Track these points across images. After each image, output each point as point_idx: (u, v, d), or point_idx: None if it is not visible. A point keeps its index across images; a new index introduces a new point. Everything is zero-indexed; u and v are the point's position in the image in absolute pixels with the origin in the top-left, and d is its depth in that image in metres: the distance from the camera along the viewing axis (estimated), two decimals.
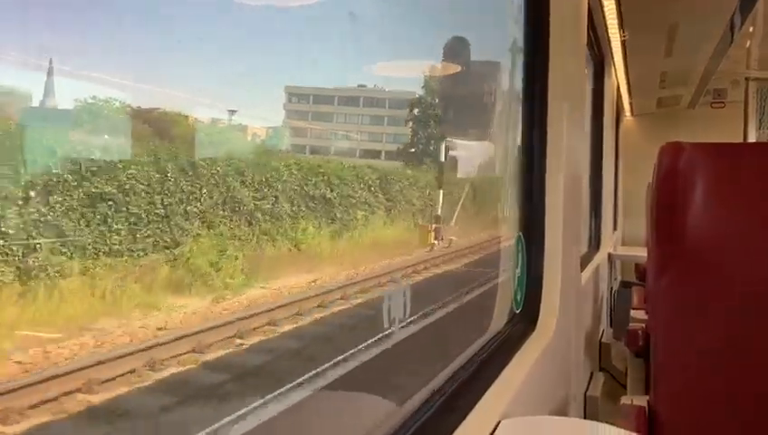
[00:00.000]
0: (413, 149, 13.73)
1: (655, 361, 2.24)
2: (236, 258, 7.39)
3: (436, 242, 11.12)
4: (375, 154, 14.54)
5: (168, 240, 6.54)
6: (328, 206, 9.74)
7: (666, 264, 2.21)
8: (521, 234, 2.18)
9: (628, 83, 6.44)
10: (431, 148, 13.94)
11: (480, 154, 13.75)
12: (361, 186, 10.87)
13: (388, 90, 14.91)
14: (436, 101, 13.79)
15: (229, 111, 9.14)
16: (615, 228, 7.09)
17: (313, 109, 14.44)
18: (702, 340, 2.11)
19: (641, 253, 5.26)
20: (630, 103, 7.61)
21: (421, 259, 10.56)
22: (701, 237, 2.14)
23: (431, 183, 13.44)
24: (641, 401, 2.29)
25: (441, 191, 12.26)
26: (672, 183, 2.19)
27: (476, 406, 1.36)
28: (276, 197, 8.49)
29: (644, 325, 3.33)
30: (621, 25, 4.29)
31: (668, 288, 2.20)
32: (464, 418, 1.30)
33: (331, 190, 9.91)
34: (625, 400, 2.38)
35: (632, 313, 3.99)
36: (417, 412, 1.32)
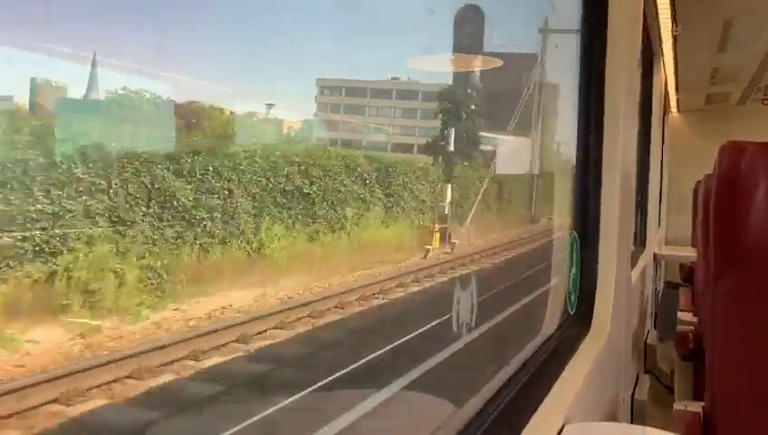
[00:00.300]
0: (442, 143, 13.07)
1: (710, 366, 2.18)
2: (150, 268, 5.45)
3: (430, 247, 9.22)
4: (407, 148, 14.25)
5: (57, 245, 4.88)
6: (305, 202, 8.10)
7: (725, 266, 2.14)
8: (576, 233, 2.14)
9: (677, 79, 6.29)
10: (461, 141, 13.22)
11: (509, 147, 12.88)
12: (353, 179, 9.26)
13: (421, 82, 14.44)
14: (468, 92, 13.16)
15: (267, 104, 9.02)
16: (659, 227, 6.94)
17: (345, 101, 14.37)
18: (764, 345, 2.04)
19: (688, 253, 5.15)
20: (677, 100, 7.43)
21: (406, 270, 8.41)
22: (764, 239, 2.07)
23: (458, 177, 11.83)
24: (695, 407, 2.23)
25: (450, 186, 10.74)
26: (733, 184, 2.12)
27: (539, 409, 1.35)
28: (230, 190, 6.81)
29: (693, 328, 3.25)
30: (674, 19, 4.18)
31: (727, 291, 2.13)
32: (527, 421, 1.29)
33: (311, 184, 8.23)
34: (677, 405, 2.31)
35: (679, 314, 3.90)
36: (482, 414, 1.31)
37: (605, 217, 2.19)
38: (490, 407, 1.34)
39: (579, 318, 2.08)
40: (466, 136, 12.93)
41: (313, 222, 8.17)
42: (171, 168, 6.05)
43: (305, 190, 8.13)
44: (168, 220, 5.89)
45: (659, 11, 4.00)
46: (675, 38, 4.63)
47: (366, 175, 9.56)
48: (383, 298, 7.34)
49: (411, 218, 10.26)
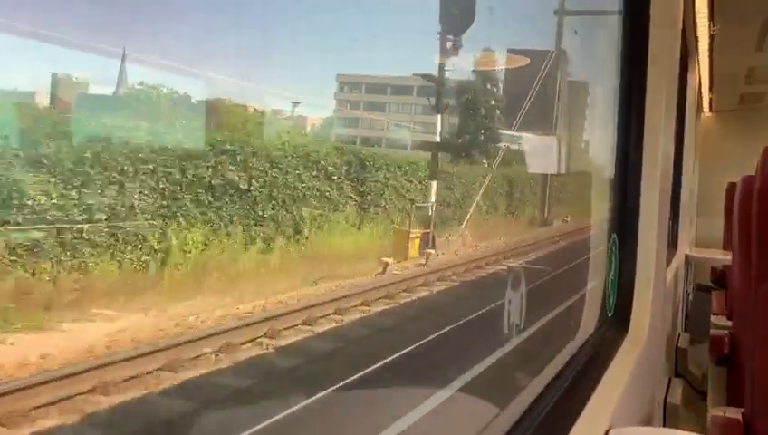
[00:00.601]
0: (459, 140, 12.71)
1: (751, 371, 2.14)
2: None
3: (390, 260, 7.48)
4: (428, 145, 14.08)
5: None
6: (243, 200, 6.67)
7: None
8: (615, 235, 2.13)
9: (711, 79, 6.19)
10: (479, 138, 12.86)
11: (526, 144, 12.39)
12: (314, 173, 7.73)
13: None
14: (487, 87, 12.83)
15: (293, 102, 8.97)
16: (690, 228, 6.84)
17: (365, 98, 14.28)
18: None
19: (718, 256, 5.06)
20: (710, 100, 7.31)
21: (345, 292, 6.49)
22: None
23: (465, 174, 10.83)
24: (733, 413, 2.19)
25: (435, 183, 9.32)
26: None
27: (583, 414, 1.34)
28: (121, 184, 5.44)
29: (728, 332, 3.19)
30: (712, 18, 4.11)
31: None
32: (572, 425, 1.28)
33: (251, 179, 6.78)
34: (714, 411, 2.28)
35: (712, 318, 3.84)
36: (526, 418, 1.30)
37: (644, 219, 2.17)
38: (534, 411, 1.34)
39: (617, 320, 2.06)
40: (483, 131, 12.63)
41: (255, 225, 6.72)
42: (22, 155, 4.58)
43: (242, 186, 6.66)
44: (17, 224, 4.50)
45: (697, 9, 3.94)
46: (711, 37, 4.56)
47: (332, 169, 8.06)
48: (268, 346, 5.10)
49: (392, 220, 8.80)
